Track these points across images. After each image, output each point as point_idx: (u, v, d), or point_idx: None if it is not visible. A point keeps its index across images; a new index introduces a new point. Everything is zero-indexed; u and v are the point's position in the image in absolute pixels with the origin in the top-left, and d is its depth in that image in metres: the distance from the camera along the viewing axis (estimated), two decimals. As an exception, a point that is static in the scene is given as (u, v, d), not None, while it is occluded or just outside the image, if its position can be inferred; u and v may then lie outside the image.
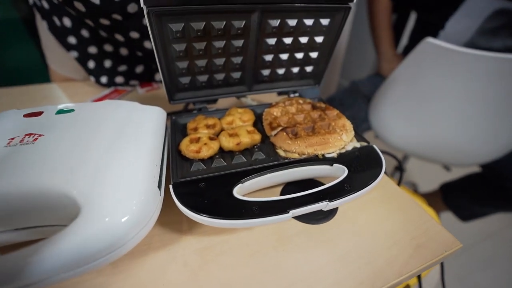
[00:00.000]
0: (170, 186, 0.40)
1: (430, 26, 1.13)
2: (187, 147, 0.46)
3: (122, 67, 0.83)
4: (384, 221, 0.47)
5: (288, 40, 0.54)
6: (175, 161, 0.45)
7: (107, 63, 0.81)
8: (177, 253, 0.41)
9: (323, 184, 0.42)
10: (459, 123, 0.94)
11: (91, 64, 0.81)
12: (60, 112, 0.46)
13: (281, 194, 0.48)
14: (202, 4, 0.43)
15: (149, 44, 0.78)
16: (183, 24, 0.44)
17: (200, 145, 0.46)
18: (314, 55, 0.59)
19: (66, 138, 0.40)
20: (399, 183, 0.70)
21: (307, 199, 0.39)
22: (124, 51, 0.82)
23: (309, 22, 0.52)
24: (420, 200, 0.95)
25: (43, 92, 0.82)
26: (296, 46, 0.55)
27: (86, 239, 0.30)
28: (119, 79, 0.84)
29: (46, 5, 0.74)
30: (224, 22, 0.46)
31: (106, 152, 0.38)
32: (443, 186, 1.34)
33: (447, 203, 1.30)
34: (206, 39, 0.48)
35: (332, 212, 0.47)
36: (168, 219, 0.45)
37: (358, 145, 0.49)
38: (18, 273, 0.27)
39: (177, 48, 0.47)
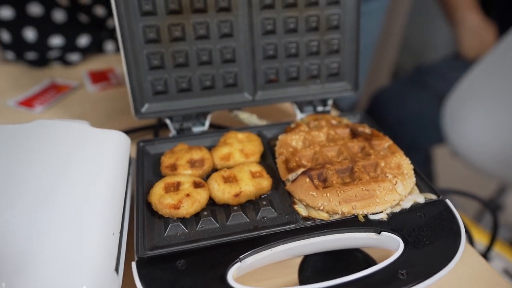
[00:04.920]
0: (133, 264, 0.27)
1: None
2: (161, 200, 0.31)
3: (55, 39, 0.61)
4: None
5: (292, 14, 0.42)
6: (142, 220, 0.31)
7: (30, 34, 0.60)
8: None
9: (363, 255, 0.31)
10: None
11: (6, 35, 0.60)
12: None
13: (300, 274, 0.32)
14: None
15: (102, 11, 0.59)
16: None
17: (180, 197, 0.31)
18: (335, 36, 0.44)
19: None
20: (489, 247, 0.49)
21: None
22: (59, 15, 0.60)
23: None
24: None
25: None
26: (307, 24, 0.43)
27: None
28: (53, 53, 0.62)
29: None
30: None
31: (34, 213, 0.25)
32: None
33: None
34: (182, 16, 0.39)
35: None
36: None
37: (421, 199, 0.32)
38: None
39: (147, 26, 0.38)
